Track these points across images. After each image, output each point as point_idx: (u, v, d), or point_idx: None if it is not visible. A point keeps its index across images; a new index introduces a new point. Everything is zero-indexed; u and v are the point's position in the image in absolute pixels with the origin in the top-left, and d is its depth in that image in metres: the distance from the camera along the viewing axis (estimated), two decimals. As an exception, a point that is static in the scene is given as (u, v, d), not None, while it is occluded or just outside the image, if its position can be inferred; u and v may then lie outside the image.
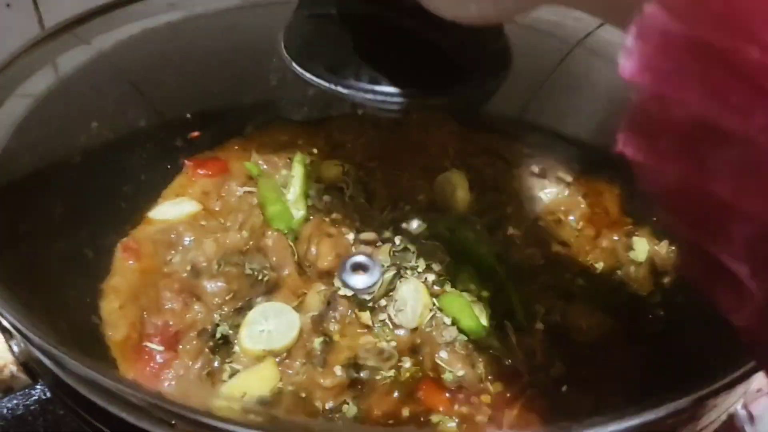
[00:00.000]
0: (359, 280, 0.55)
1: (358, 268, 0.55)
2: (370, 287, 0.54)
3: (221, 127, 0.69)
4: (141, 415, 0.38)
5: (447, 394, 0.52)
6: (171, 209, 0.63)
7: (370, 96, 0.51)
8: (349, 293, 0.56)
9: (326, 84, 0.52)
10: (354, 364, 0.53)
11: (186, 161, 0.66)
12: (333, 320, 0.55)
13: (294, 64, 0.54)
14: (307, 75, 0.54)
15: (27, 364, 0.43)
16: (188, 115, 0.68)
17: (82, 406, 0.41)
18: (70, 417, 0.65)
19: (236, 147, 0.69)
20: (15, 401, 0.66)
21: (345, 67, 0.52)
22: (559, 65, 0.69)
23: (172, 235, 0.59)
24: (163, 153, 0.66)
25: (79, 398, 0.40)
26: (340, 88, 0.52)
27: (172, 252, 0.59)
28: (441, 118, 0.67)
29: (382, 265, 0.54)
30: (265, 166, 0.66)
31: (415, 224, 0.57)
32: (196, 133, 0.65)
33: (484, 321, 0.55)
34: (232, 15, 0.77)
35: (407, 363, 0.54)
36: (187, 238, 0.60)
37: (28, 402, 0.66)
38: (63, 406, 0.44)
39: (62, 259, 0.55)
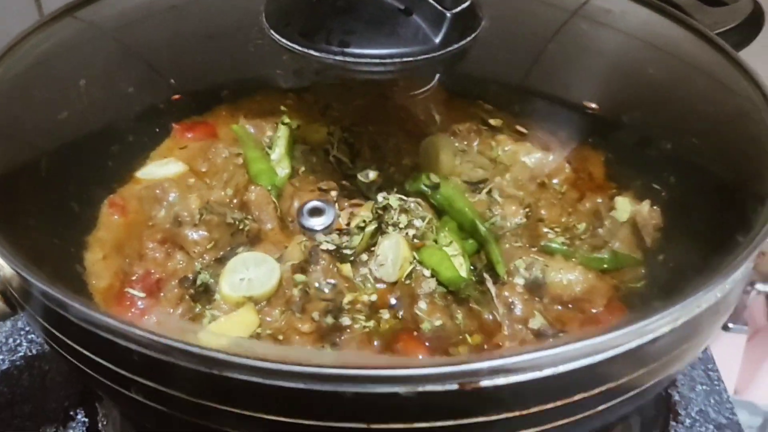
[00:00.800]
0: (317, 222, 0.56)
1: (315, 212, 0.57)
2: (327, 227, 0.56)
3: (210, 94, 0.70)
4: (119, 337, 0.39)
5: (426, 344, 0.52)
6: (158, 169, 0.64)
7: (339, 58, 0.53)
8: (332, 247, 0.57)
9: (299, 48, 0.54)
10: (332, 311, 0.53)
11: (174, 125, 0.67)
12: (314, 273, 0.56)
13: (271, 31, 0.56)
14: (283, 41, 0.55)
15: (5, 293, 0.44)
16: (175, 81, 0.69)
17: (61, 329, 0.42)
18: (54, 372, 0.66)
19: (224, 113, 0.69)
20: (1, 357, 0.67)
21: (317, 32, 0.54)
22: (552, 34, 0.70)
23: (158, 191, 0.60)
24: (152, 116, 0.67)
25: (62, 322, 0.41)
26: (312, 52, 0.54)
27: (157, 207, 0.60)
28: (429, 86, 0.68)
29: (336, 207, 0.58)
30: (252, 130, 0.67)
31: (371, 174, 0.57)
32: (177, 96, 0.65)
33: (464, 273, 0.55)
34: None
35: (386, 315, 0.54)
36: (172, 195, 0.60)
37: (14, 358, 0.67)
38: (43, 333, 0.44)
39: (48, 210, 0.56)
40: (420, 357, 0.49)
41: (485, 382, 0.34)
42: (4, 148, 0.56)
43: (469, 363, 0.34)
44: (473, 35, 0.54)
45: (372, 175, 0.58)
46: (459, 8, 0.52)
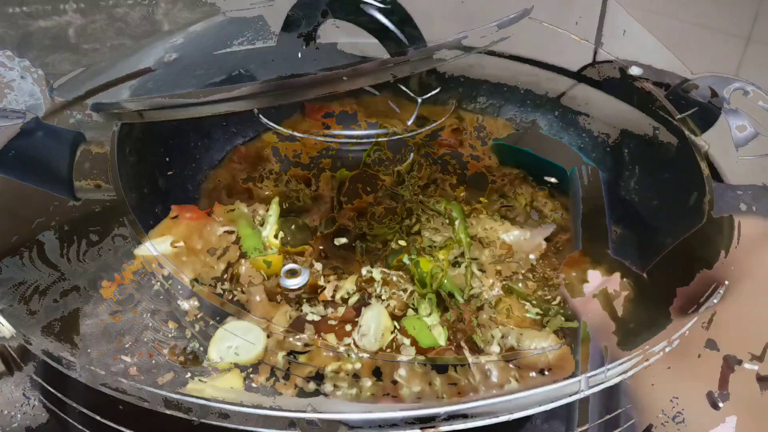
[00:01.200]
0: (293, 282, 0.62)
1: (292, 273, 0.63)
2: (301, 287, 0.62)
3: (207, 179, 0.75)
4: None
5: (405, 410, 0.55)
6: (156, 246, 0.67)
7: (321, 138, 0.59)
8: (317, 318, 0.60)
9: (285, 130, 0.60)
10: (315, 378, 0.55)
11: (173, 206, 0.71)
12: (299, 342, 0.58)
13: (260, 116, 0.62)
14: (271, 124, 0.61)
15: (3, 353, 0.47)
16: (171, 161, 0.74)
17: (60, 388, 0.44)
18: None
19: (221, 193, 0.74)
20: (-3, 426, 0.69)
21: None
22: (524, 122, 0.75)
23: (153, 266, 0.64)
24: (152, 198, 0.72)
25: (60, 379, 0.43)
26: (296, 133, 0.59)
27: (153, 282, 0.63)
28: (405, 163, 0.73)
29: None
30: (245, 210, 0.71)
31: (343, 240, 0.65)
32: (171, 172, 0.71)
33: (442, 342, 0.58)
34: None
35: (369, 382, 0.57)
36: (167, 270, 0.64)
37: (8, 430, 0.69)
38: (39, 391, 0.47)
39: (50, 282, 0.60)
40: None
41: (445, 427, 0.37)
42: (11, 224, 0.60)
43: (429, 408, 0.36)
44: (444, 118, 0.60)
45: (343, 240, 0.62)
46: (428, 95, 0.58)
